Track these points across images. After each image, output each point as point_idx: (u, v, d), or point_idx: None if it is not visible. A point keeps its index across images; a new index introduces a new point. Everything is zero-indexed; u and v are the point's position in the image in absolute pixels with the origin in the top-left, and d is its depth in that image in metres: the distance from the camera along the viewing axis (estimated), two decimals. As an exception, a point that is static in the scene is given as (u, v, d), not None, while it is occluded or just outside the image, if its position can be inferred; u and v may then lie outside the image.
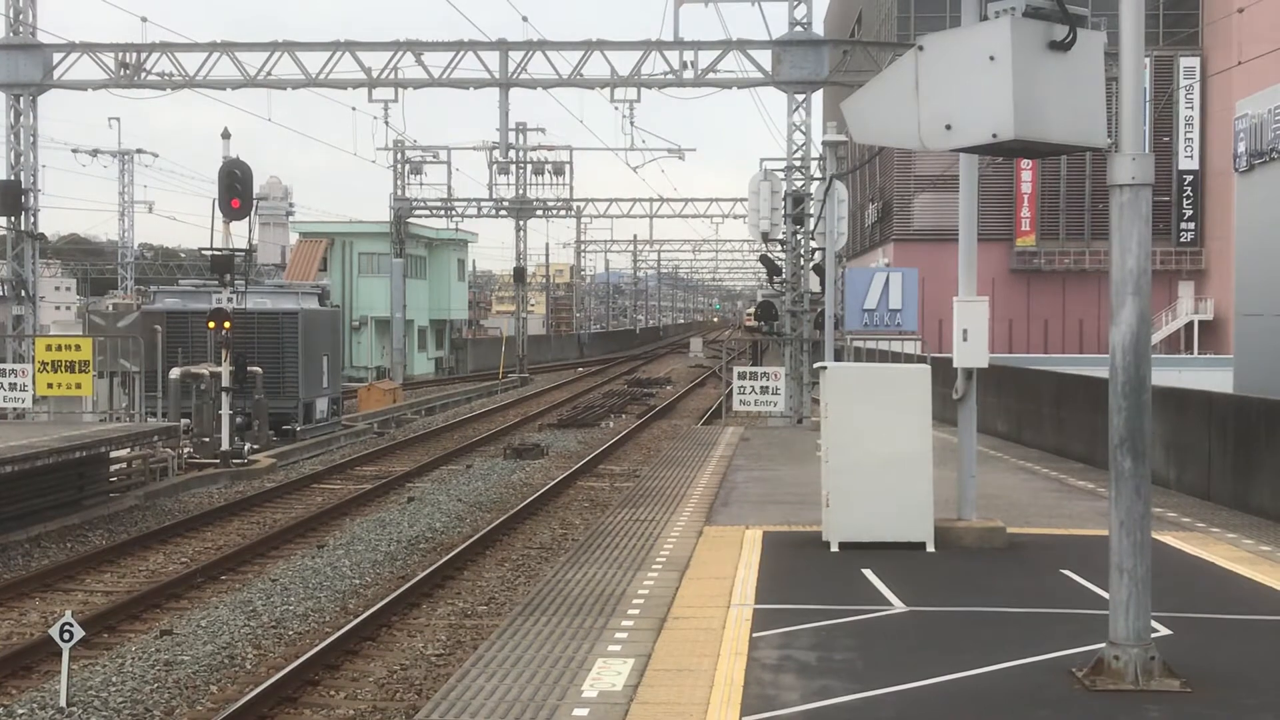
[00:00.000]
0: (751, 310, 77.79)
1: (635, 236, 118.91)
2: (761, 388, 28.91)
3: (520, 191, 63.04)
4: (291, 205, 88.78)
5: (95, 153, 73.02)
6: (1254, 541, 13.79)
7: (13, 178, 32.35)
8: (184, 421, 27.00)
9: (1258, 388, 22.47)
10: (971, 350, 13.47)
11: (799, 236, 31.88)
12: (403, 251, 59.94)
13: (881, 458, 13.03)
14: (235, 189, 27.34)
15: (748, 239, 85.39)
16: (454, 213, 62.93)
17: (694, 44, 32.32)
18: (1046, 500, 17.17)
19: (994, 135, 8.10)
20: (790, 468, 20.69)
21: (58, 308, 78.92)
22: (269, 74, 32.69)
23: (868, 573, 11.84)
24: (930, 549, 13.01)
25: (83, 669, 12.18)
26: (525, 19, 34.83)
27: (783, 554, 13.08)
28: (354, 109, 51.10)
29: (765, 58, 32.02)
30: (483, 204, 62.50)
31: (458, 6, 36.17)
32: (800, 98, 31.92)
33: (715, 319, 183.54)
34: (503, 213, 63.54)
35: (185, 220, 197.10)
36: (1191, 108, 70.78)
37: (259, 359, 30.06)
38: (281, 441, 31.00)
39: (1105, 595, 8.50)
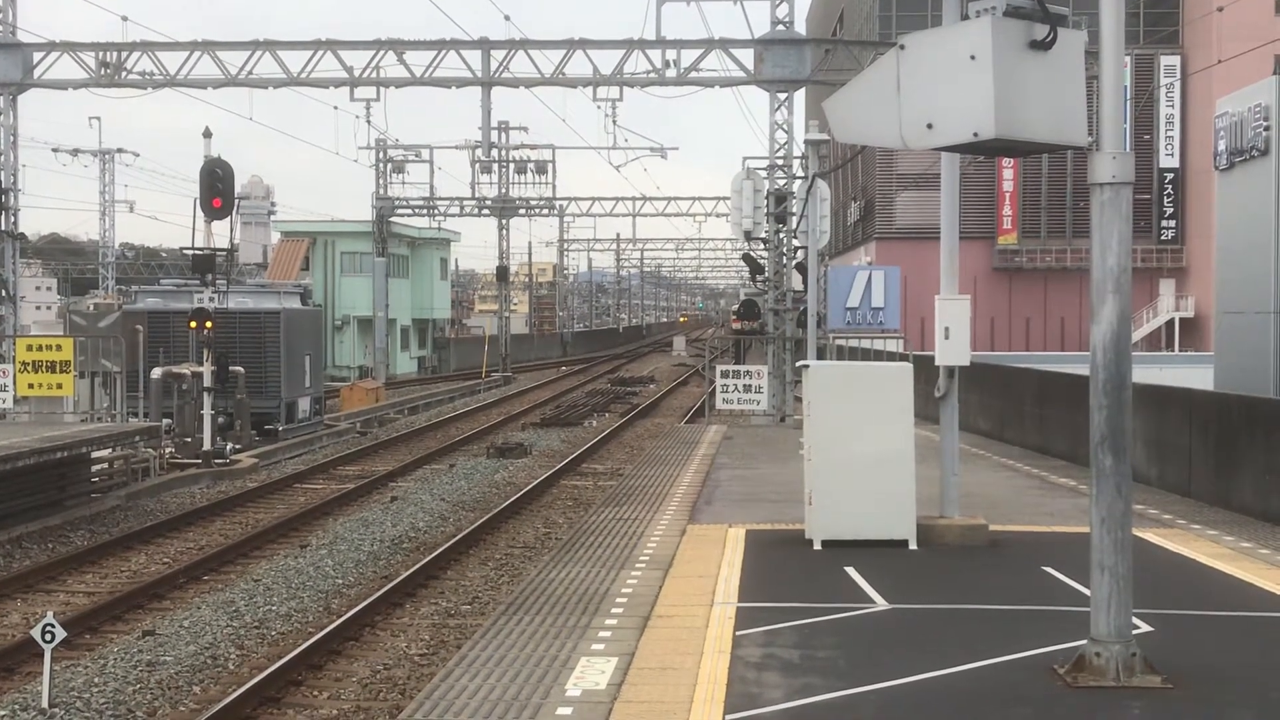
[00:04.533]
0: (735, 309, 77.96)
1: (618, 235, 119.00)
2: (744, 386, 28.95)
3: (503, 190, 63.01)
4: (273, 204, 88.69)
5: (76, 152, 72.80)
6: (1235, 538, 13.85)
7: (-7, 177, 32.23)
8: (166, 422, 26.92)
9: (1238, 385, 22.53)
10: (953, 348, 13.50)
11: (781, 235, 31.92)
12: (385, 251, 59.83)
13: (864, 456, 13.05)
14: (216, 188, 27.27)
15: (730, 238, 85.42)
16: (436, 212, 62.90)
17: (676, 43, 32.34)
18: (1028, 498, 17.22)
19: (975, 134, 8.13)
20: (773, 466, 20.72)
21: (38, 308, 78.66)
22: (250, 73, 32.63)
23: (850, 570, 11.86)
24: (913, 547, 13.04)
25: (65, 670, 12.14)
26: (507, 18, 34.86)
27: (766, 552, 13.10)
28: (336, 108, 51.09)
29: (747, 56, 32.07)
30: (465, 203, 62.45)
31: (439, 6, 36.13)
32: (782, 96, 31.95)
33: (682, 319, 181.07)
34: (485, 212, 63.51)
35: (166, 220, 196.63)
36: (1172, 106, 71.03)
37: (241, 359, 30.00)
38: (264, 441, 30.93)
39: (1087, 592, 8.53)
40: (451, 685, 8.59)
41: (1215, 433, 16.62)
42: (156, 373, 27.76)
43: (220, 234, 35.13)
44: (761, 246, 32.75)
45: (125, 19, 33.96)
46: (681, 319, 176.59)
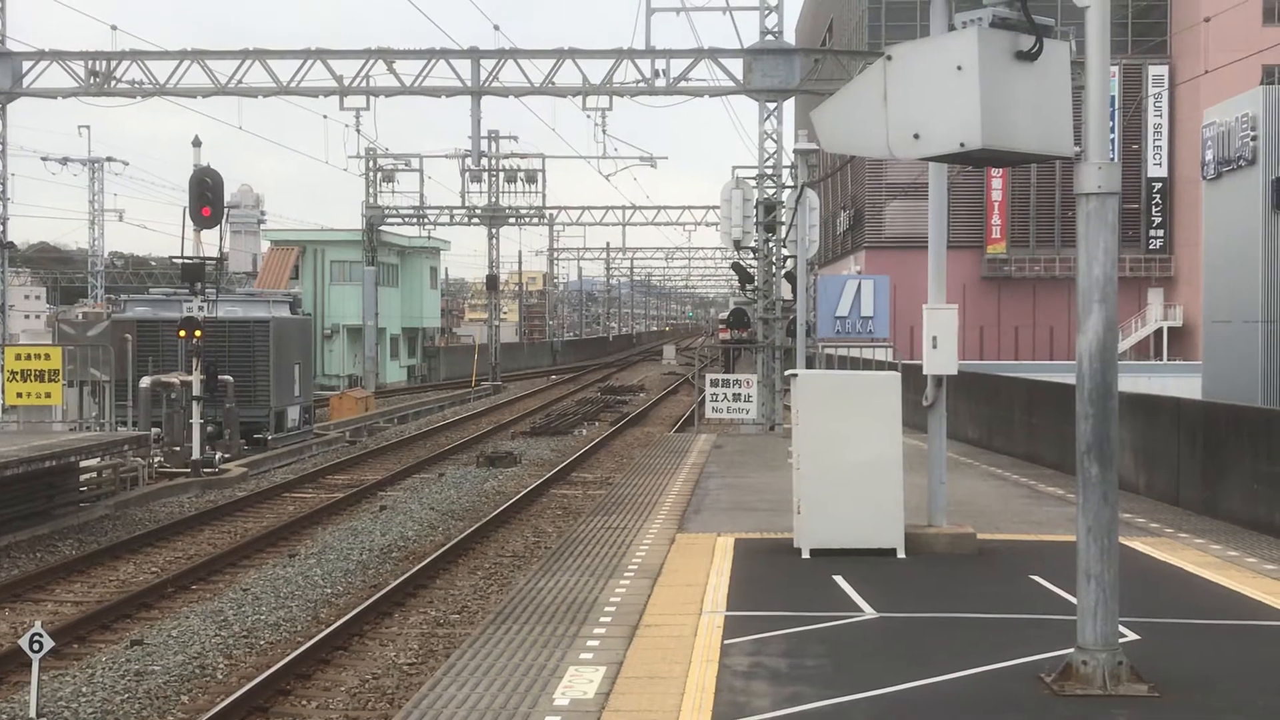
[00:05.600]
0: (724, 317, 77.87)
1: (608, 244, 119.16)
2: (734, 395, 28.97)
3: (493, 199, 63.03)
4: (263, 213, 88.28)
5: (65, 160, 72.66)
6: (1222, 546, 13.88)
7: (-19, 186, 32.20)
8: (154, 431, 26.88)
9: (1226, 394, 22.63)
10: (941, 357, 13.52)
11: (771, 244, 31.98)
12: (375, 259, 59.83)
13: (852, 464, 13.08)
14: (206, 197, 27.26)
15: (720, 246, 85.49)
16: (426, 221, 62.90)
17: (666, 52, 32.43)
18: (1016, 506, 17.25)
19: (962, 144, 8.15)
20: (762, 475, 20.73)
21: (27, 316, 78.53)
22: (240, 82, 32.66)
23: (839, 579, 11.87)
24: (901, 555, 13.06)
25: (53, 679, 12.11)
26: (497, 27, 34.94)
27: (754, 561, 13.11)
28: (325, 117, 50.90)
29: (737, 66, 32.15)
30: (455, 212, 62.45)
31: (429, 15, 36.20)
32: (772, 106, 32.04)
33: (665, 328, 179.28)
34: (475, 221, 63.51)
35: (156, 228, 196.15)
36: (1160, 115, 71.23)
37: (230, 367, 29.97)
38: (253, 450, 30.88)
39: (1074, 600, 8.56)
40: (440, 694, 8.59)
41: (1203, 441, 16.66)
42: (145, 382, 27.72)
43: (210, 243, 35.04)
44: (751, 255, 32.82)
45: (115, 28, 33.97)
46: (665, 328, 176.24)
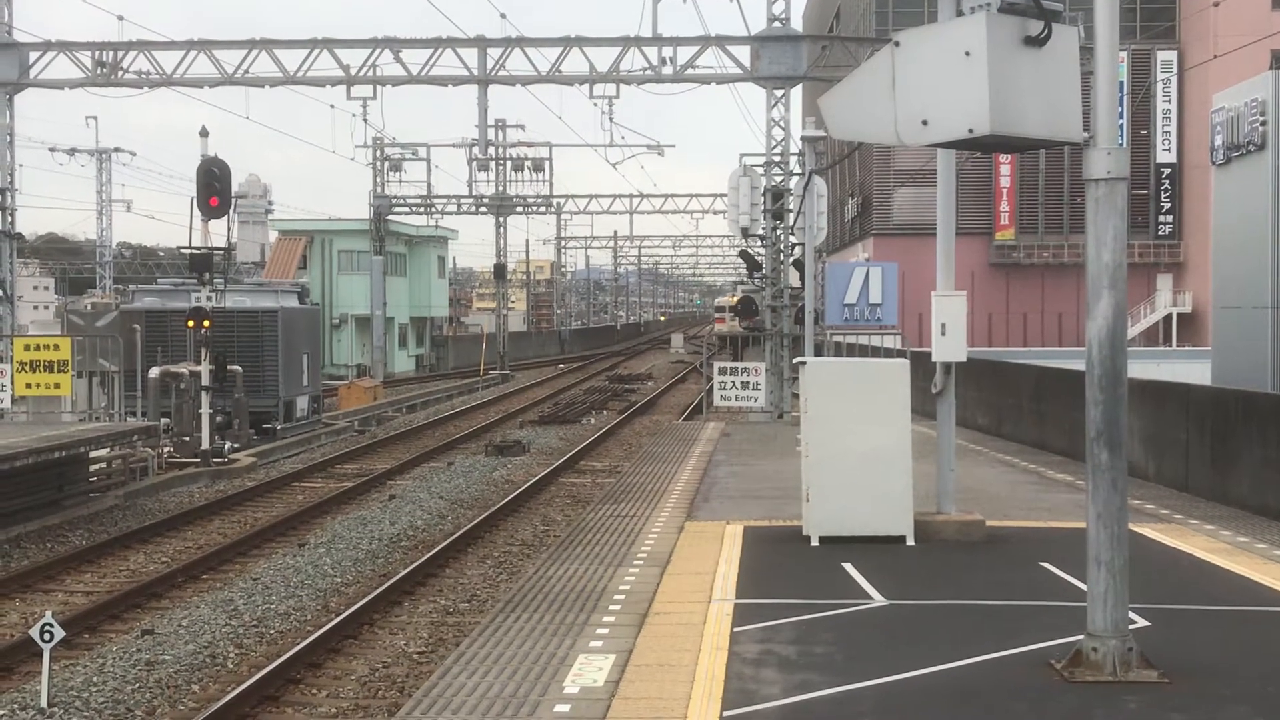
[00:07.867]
0: (725, 301, 77.42)
1: (615, 232, 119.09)
2: (742, 383, 28.95)
3: (500, 188, 63.01)
4: (270, 203, 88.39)
5: (73, 151, 72.77)
6: (1231, 533, 13.86)
7: (-10, 177, 32.21)
8: (164, 421, 26.91)
9: (1235, 380, 22.55)
10: (950, 344, 13.51)
11: (779, 232, 31.93)
12: (382, 249, 59.83)
13: (861, 452, 13.06)
14: (214, 187, 27.25)
15: (728, 234, 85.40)
16: (434, 210, 62.93)
17: (673, 40, 32.35)
18: (1025, 493, 17.24)
19: (970, 130, 8.13)
20: (771, 463, 20.73)
21: (36, 307, 78.58)
22: (247, 72, 32.63)
23: (848, 566, 11.87)
24: (910, 542, 13.05)
25: (64, 669, 12.15)
26: (504, 16, 34.86)
27: (763, 549, 13.11)
28: (332, 106, 51.02)
29: (744, 53, 32.08)
30: (462, 201, 62.45)
31: (435, 4, 36.23)
32: (779, 93, 31.96)
33: (661, 317, 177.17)
34: (483, 209, 63.51)
35: (164, 219, 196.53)
36: (1169, 101, 70.96)
37: (239, 357, 29.98)
38: (262, 440, 30.93)
39: (1084, 587, 8.55)
40: (450, 683, 8.60)
41: (1212, 427, 16.63)
42: (154, 372, 27.74)
43: (218, 233, 35.11)
44: (759, 243, 32.76)
45: (121, 18, 34.00)
46: (661, 317, 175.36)
